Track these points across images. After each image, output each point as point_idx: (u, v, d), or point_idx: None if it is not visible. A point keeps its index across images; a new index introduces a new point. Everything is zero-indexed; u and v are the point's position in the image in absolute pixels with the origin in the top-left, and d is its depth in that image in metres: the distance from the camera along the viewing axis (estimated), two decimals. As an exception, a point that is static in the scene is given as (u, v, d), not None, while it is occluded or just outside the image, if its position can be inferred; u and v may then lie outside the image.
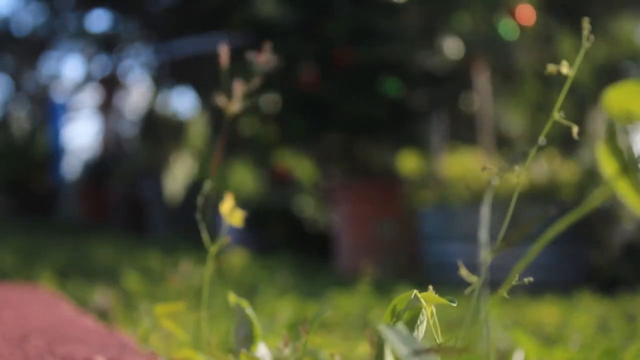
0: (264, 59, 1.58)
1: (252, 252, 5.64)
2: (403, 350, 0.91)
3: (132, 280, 3.48)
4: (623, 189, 0.67)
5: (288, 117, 6.11)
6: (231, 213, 1.49)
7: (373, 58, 5.53)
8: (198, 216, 1.52)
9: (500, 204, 4.40)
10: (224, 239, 1.49)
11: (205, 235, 1.51)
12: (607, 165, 0.67)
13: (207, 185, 1.51)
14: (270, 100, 6.40)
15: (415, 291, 1.13)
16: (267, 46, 1.58)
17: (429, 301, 1.13)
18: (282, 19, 5.86)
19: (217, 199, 1.65)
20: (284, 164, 7.35)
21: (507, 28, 5.10)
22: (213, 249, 1.49)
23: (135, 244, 6.37)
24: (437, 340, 1.13)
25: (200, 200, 1.53)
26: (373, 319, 2.66)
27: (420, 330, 1.13)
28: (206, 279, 1.52)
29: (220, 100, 1.60)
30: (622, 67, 5.68)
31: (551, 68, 0.87)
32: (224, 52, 1.58)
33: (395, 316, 1.12)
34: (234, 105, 1.58)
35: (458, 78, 5.36)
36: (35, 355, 1.64)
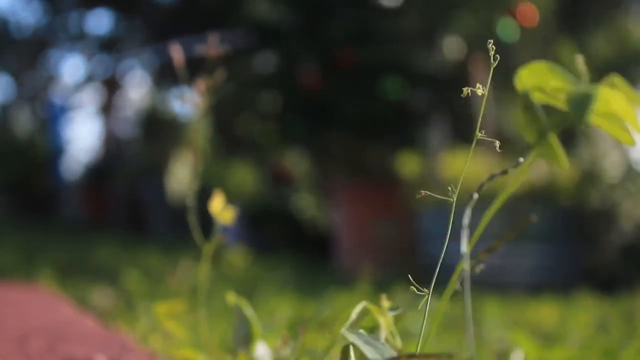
0: (213, 50, 1.58)
1: (252, 252, 5.65)
2: (373, 355, 0.91)
3: (132, 279, 3.48)
4: (542, 154, 0.77)
5: (288, 117, 6.12)
6: (221, 211, 1.50)
7: (373, 59, 5.53)
8: (190, 216, 1.52)
9: (504, 205, 4.41)
10: (219, 238, 1.49)
11: (197, 235, 1.52)
12: (527, 133, 0.78)
13: (194, 185, 1.51)
14: (271, 100, 6.40)
15: (364, 302, 1.13)
16: (215, 39, 1.58)
17: (377, 312, 1.12)
18: (282, 20, 5.87)
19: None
20: (284, 164, 7.36)
21: (506, 29, 5.10)
22: (208, 249, 1.50)
23: (136, 244, 6.38)
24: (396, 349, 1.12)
25: (190, 200, 1.53)
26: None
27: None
28: (202, 278, 1.52)
29: (187, 98, 1.60)
30: (623, 65, 5.68)
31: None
32: (177, 54, 1.58)
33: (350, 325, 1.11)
34: (203, 102, 1.59)
35: (458, 79, 5.36)
36: (36, 355, 1.65)
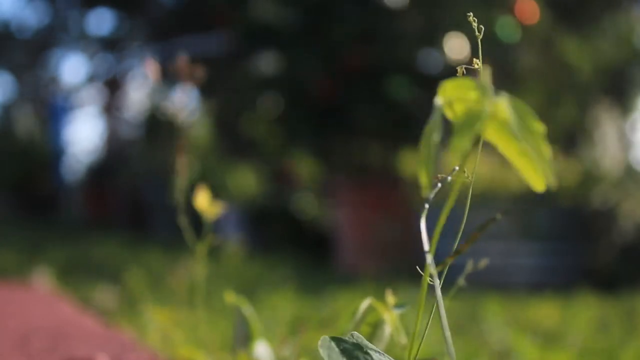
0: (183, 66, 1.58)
1: (253, 251, 5.66)
2: None
3: (134, 278, 3.49)
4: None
5: (292, 118, 6.12)
6: (207, 207, 1.50)
7: (378, 60, 5.53)
8: (181, 216, 1.53)
9: (504, 204, 4.41)
10: (211, 237, 1.50)
11: (189, 235, 1.52)
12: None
13: (184, 185, 1.52)
14: (274, 101, 6.41)
15: (370, 298, 1.13)
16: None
17: (384, 308, 1.12)
18: (285, 20, 5.87)
19: (216, 198, 1.66)
20: (287, 164, 7.37)
21: (506, 28, 5.10)
22: (201, 248, 1.50)
23: (138, 244, 6.39)
24: (400, 345, 1.12)
25: (178, 199, 1.54)
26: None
27: (382, 336, 1.13)
28: (199, 277, 1.53)
29: (172, 104, 1.62)
30: (625, 66, 5.68)
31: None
32: (151, 67, 1.59)
33: (357, 320, 1.11)
34: (181, 109, 1.60)
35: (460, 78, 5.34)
36: (37, 354, 1.65)
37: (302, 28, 5.82)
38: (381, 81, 5.57)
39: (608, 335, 2.53)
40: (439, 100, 0.77)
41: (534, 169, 0.75)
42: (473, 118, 0.73)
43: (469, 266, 1.10)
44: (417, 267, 0.87)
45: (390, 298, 1.14)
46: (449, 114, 0.78)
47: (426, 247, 0.83)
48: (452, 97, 0.76)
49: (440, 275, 0.92)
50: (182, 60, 1.55)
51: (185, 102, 1.58)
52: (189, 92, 1.56)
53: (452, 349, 0.76)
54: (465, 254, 1.17)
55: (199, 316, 1.63)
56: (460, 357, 2.02)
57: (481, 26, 0.89)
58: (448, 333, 0.76)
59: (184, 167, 1.56)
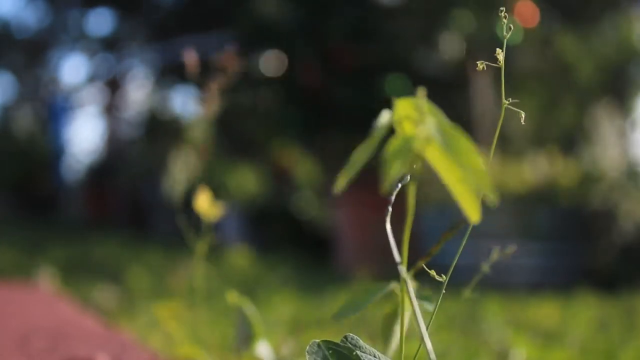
0: (230, 61, 1.58)
1: (253, 251, 5.65)
2: None
3: (134, 278, 3.49)
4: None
5: (287, 114, 6.12)
6: (208, 208, 1.50)
7: (373, 58, 5.53)
8: (180, 215, 1.53)
9: (505, 204, 4.41)
10: (211, 236, 1.50)
11: (189, 234, 1.52)
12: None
13: (185, 185, 1.53)
14: (271, 98, 6.41)
15: (393, 283, 1.11)
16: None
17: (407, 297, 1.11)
18: (283, 17, 5.87)
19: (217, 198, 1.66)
20: (285, 161, 7.36)
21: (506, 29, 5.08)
22: (201, 247, 1.50)
23: (138, 243, 6.39)
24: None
25: (179, 200, 1.55)
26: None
27: (399, 327, 1.12)
28: (199, 276, 1.53)
29: (200, 102, 1.61)
30: (625, 66, 5.68)
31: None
32: (190, 59, 1.58)
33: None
34: (212, 105, 1.59)
35: (458, 78, 5.36)
36: (38, 354, 1.65)
37: (301, 27, 5.83)
38: (380, 80, 5.57)
39: (608, 335, 2.53)
40: (384, 117, 0.72)
41: (472, 198, 0.72)
42: (406, 144, 0.69)
43: (482, 270, 1.10)
44: (422, 268, 0.87)
45: (412, 284, 1.12)
46: (399, 133, 0.73)
47: (396, 256, 0.83)
48: (403, 116, 0.72)
49: (416, 275, 0.92)
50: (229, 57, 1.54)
51: (216, 100, 1.58)
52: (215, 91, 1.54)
53: (433, 355, 0.76)
54: (469, 254, 1.17)
55: (199, 315, 1.63)
56: (460, 357, 2.03)
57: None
58: (430, 346, 0.75)
59: (184, 167, 1.56)
